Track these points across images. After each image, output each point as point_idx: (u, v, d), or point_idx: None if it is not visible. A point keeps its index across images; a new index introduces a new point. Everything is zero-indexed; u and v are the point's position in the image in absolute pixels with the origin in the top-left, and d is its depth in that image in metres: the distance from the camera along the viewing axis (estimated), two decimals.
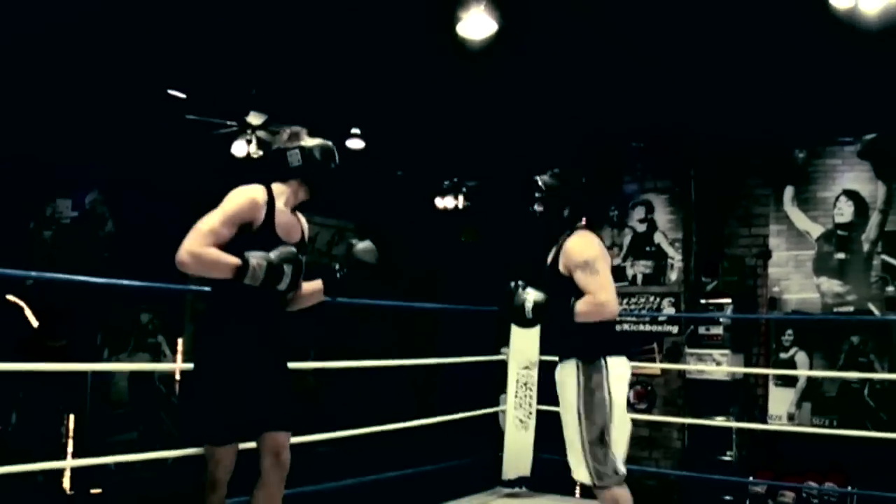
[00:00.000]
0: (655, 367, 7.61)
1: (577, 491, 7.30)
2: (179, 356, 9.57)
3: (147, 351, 9.30)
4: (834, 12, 5.21)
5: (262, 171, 3.32)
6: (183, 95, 7.71)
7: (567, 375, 3.54)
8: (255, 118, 8.16)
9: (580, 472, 3.55)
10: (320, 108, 7.95)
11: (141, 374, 9.06)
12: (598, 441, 3.46)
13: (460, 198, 11.12)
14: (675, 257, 7.88)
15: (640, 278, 8.00)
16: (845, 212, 7.46)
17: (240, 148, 8.38)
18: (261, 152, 8.31)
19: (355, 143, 8.85)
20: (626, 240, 8.11)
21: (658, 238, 7.98)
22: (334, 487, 4.78)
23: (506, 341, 6.06)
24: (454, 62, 6.54)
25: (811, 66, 6.48)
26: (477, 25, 5.72)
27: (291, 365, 3.38)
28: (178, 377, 9.53)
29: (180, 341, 9.63)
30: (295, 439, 4.25)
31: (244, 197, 3.14)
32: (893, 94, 6.70)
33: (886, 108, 6.93)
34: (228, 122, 8.22)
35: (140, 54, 6.72)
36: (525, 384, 5.89)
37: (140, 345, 9.22)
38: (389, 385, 10.76)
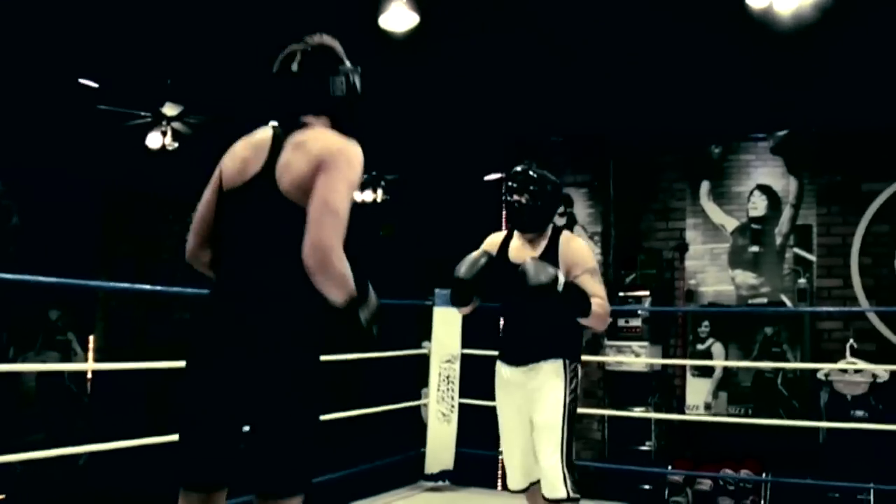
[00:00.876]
0: None
1: (500, 484, 7.34)
2: (91, 354, 9.31)
3: (56, 349, 9.02)
4: (750, 12, 5.32)
5: (289, 100, 2.42)
6: (95, 85, 7.48)
7: (554, 376, 3.36)
8: (170, 109, 7.97)
9: (557, 487, 3.27)
10: (238, 100, 7.80)
11: (50, 373, 8.78)
12: (572, 448, 3.34)
13: (379, 191, 11.06)
14: (595, 251, 7.96)
15: None
16: (759, 206, 7.63)
17: (154, 140, 8.18)
18: (176, 144, 8.13)
19: None
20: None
21: (577, 232, 8.04)
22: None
23: (427, 335, 6.03)
24: (376, 54, 6.47)
25: (727, 64, 6.60)
26: (399, 18, 5.69)
27: None
28: (89, 376, 9.27)
29: (91, 339, 9.37)
30: None
31: (360, 157, 2.30)
32: (804, 92, 6.87)
33: (798, 106, 7.11)
34: (142, 113, 8.01)
35: (50, 41, 6.50)
36: (447, 378, 5.87)
37: (49, 343, 8.94)
38: None
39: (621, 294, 7.80)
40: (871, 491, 6.19)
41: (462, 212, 8.26)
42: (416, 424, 6.49)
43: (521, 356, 3.45)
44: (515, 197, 3.52)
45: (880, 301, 7.13)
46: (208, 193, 2.46)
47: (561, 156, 8.14)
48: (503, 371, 3.52)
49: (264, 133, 2.38)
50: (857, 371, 6.78)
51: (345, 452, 6.02)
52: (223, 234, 2.37)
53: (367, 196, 11.04)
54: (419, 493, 5.72)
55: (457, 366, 5.86)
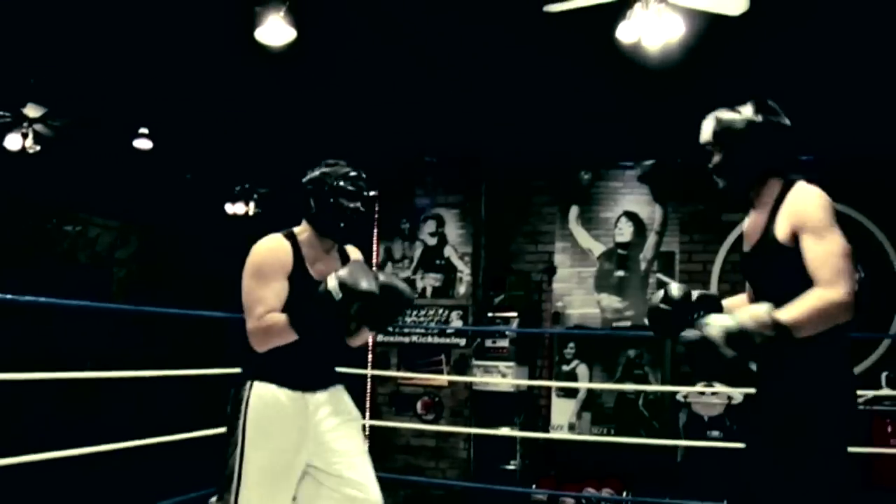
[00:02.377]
0: (443, 378, 7.71)
1: None
2: None
3: None
4: (619, 46, 5.49)
5: None
6: None
7: (350, 397, 3.17)
8: (32, 110, 7.64)
9: None
10: (107, 105, 7.56)
11: None
12: None
13: (251, 204, 10.89)
14: (465, 271, 8.02)
15: (429, 291, 8.09)
16: (625, 232, 7.86)
17: (14, 141, 7.83)
18: (38, 147, 7.80)
19: (143, 143, 8.47)
20: (417, 252, 8.19)
21: (448, 252, 8.10)
22: None
23: None
24: (251, 66, 6.39)
25: (599, 94, 6.78)
26: (275, 32, 5.61)
27: (64, 374, 2.98)
28: None
29: None
30: (59, 453, 3.95)
31: None
32: (669, 124, 7.12)
33: (663, 137, 7.35)
34: (1, 113, 7.66)
35: None
36: None
37: None
38: (174, 398, 10.34)
39: (490, 315, 7.89)
40: None
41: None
42: None
43: (325, 378, 3.09)
44: (354, 204, 3.08)
45: None
46: None
47: (434, 175, 8.20)
48: (293, 399, 2.98)
49: None
50: (713, 393, 7.01)
51: (212, 469, 5.87)
52: None
53: (239, 209, 10.85)
54: None
55: None
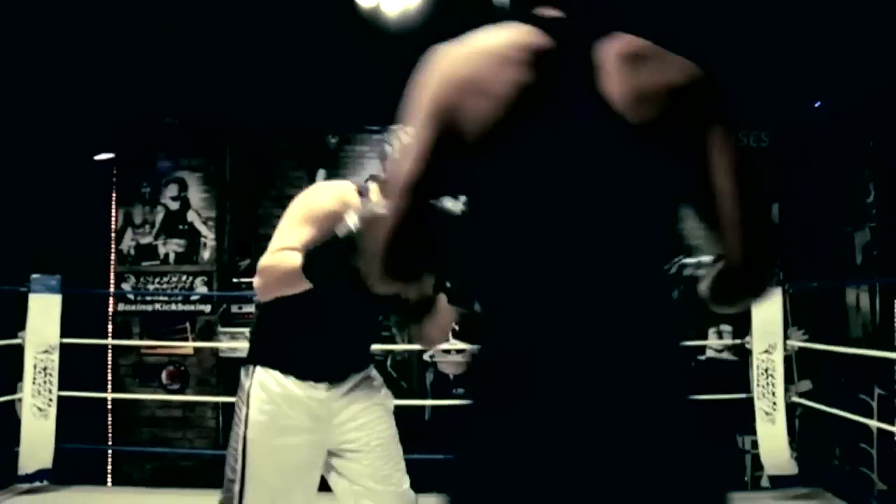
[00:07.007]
0: (188, 346, 7.51)
1: (110, 479, 7.01)
2: None
3: None
4: (359, 11, 5.54)
5: None
6: None
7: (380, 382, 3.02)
8: None
9: None
10: None
11: None
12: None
13: None
14: (209, 236, 7.82)
15: (172, 257, 7.83)
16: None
17: None
18: None
19: None
20: (159, 217, 7.87)
21: (191, 216, 7.86)
22: None
23: (23, 325, 5.61)
24: None
25: (344, 59, 6.78)
26: None
27: None
28: None
29: None
30: None
31: None
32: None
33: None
34: None
35: None
36: (44, 369, 5.50)
37: None
38: None
39: (235, 280, 7.76)
40: None
41: (67, 193, 7.75)
42: (10, 422, 6.02)
43: (347, 366, 2.82)
44: None
45: None
46: None
47: (176, 138, 7.91)
48: (304, 390, 2.68)
49: None
50: (457, 352, 7.25)
51: None
52: None
53: None
54: (13, 497, 5.32)
55: (55, 356, 5.50)
